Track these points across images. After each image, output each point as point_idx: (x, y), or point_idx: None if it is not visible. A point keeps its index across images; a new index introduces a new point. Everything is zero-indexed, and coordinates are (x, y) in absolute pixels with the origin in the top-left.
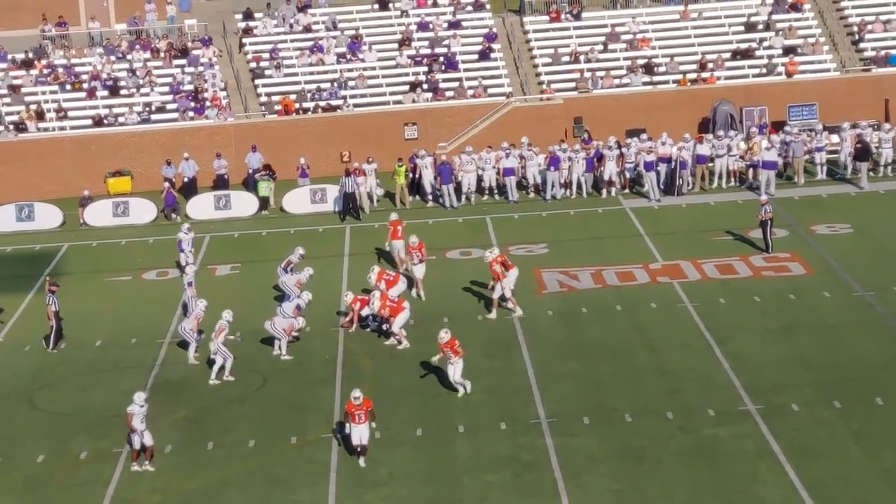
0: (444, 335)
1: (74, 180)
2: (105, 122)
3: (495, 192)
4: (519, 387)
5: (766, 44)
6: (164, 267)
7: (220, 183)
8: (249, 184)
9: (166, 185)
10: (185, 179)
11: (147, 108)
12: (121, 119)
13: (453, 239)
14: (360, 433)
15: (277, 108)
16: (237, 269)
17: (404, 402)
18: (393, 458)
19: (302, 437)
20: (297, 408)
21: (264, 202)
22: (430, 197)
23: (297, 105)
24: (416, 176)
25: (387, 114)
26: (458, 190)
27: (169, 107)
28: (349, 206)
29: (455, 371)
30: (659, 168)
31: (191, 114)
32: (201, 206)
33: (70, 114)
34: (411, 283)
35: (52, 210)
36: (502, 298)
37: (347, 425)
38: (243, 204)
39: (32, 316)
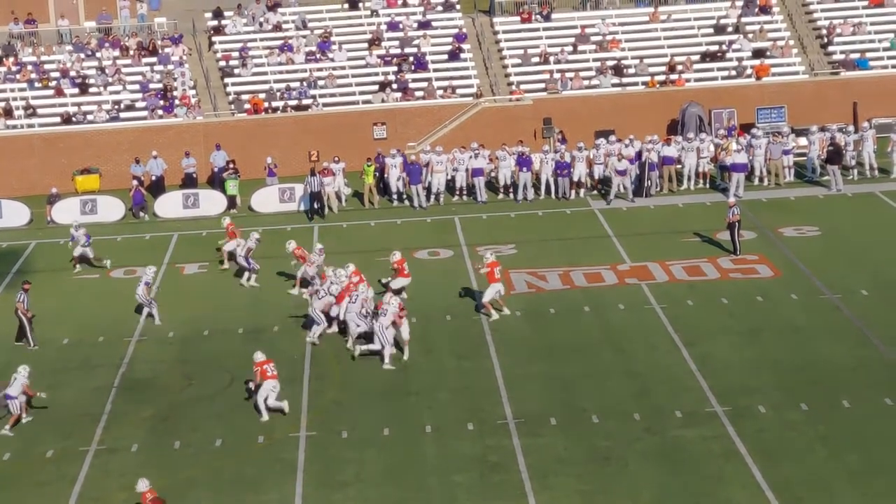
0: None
1: (42, 178)
2: (74, 119)
3: (465, 192)
4: (487, 387)
5: (735, 46)
6: (132, 265)
7: (189, 181)
8: (216, 182)
9: (135, 183)
10: (154, 178)
11: (116, 106)
12: (89, 117)
13: (422, 239)
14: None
15: (247, 106)
16: (205, 267)
17: (371, 403)
18: (360, 459)
19: (269, 437)
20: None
21: (232, 200)
22: (395, 197)
23: (266, 104)
24: (385, 175)
25: (356, 113)
26: (427, 190)
27: (138, 105)
28: (314, 205)
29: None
30: (627, 170)
31: (160, 112)
32: (169, 205)
33: (39, 111)
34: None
35: (19, 207)
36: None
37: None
38: (211, 202)
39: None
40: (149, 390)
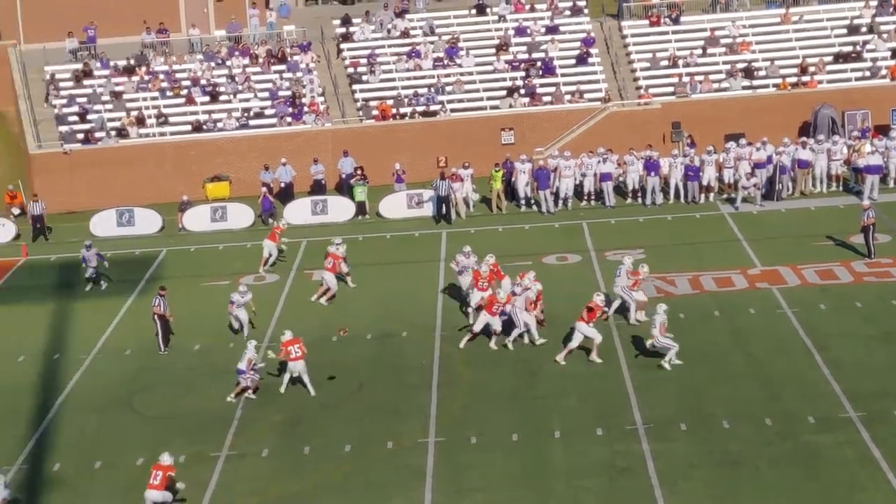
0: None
1: (174, 185)
2: (204, 127)
3: (593, 197)
4: (615, 392)
5: (869, 46)
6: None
7: (317, 188)
8: (344, 188)
9: (264, 189)
10: (283, 184)
11: (245, 114)
12: (219, 124)
13: (549, 244)
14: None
15: (375, 113)
16: (348, 275)
17: (500, 407)
18: (489, 464)
19: (398, 442)
20: (394, 412)
21: (361, 207)
22: (523, 202)
23: (394, 110)
24: (513, 181)
25: (484, 119)
26: (555, 195)
27: (267, 112)
28: (442, 209)
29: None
30: (757, 173)
31: (289, 119)
32: (298, 211)
33: (170, 120)
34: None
35: (151, 215)
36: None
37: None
38: (340, 209)
39: (133, 320)
40: (279, 395)
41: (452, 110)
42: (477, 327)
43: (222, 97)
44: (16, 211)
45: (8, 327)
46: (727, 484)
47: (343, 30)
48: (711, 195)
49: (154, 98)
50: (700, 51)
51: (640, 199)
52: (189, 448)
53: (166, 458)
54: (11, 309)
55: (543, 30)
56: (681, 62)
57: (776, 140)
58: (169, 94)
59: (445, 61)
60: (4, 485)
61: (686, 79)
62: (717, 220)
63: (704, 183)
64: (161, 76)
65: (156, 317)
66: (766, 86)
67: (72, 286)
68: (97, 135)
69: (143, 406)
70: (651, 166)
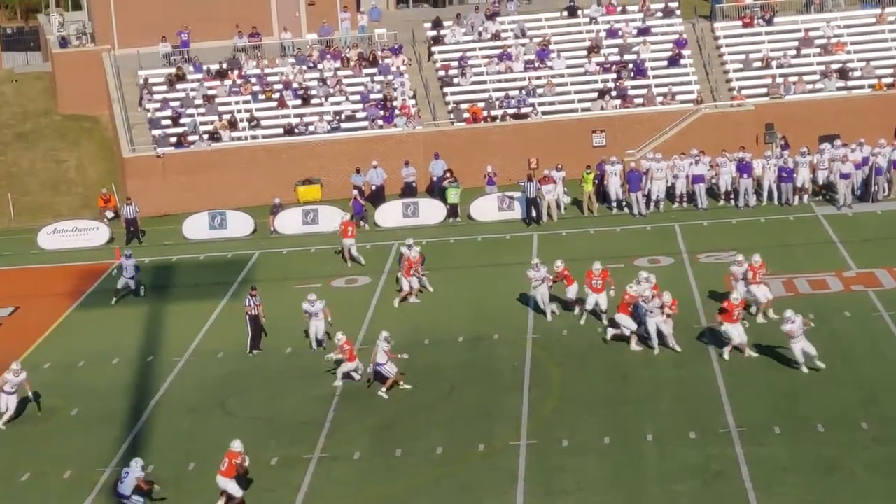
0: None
1: (266, 188)
2: (296, 130)
3: (685, 199)
4: (708, 395)
5: None
6: (352, 274)
7: (408, 191)
8: (435, 191)
9: (355, 192)
10: (374, 187)
11: (337, 117)
12: (311, 128)
13: (641, 247)
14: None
15: (466, 115)
16: (425, 275)
17: (592, 410)
18: (581, 467)
19: (489, 445)
20: (485, 415)
21: (453, 209)
22: (614, 204)
23: (485, 112)
24: (604, 183)
25: (575, 121)
26: (647, 197)
27: (358, 115)
28: (531, 212)
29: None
30: (853, 174)
31: (380, 122)
32: (389, 214)
33: (262, 123)
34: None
35: (243, 218)
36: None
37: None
38: (431, 211)
39: (225, 323)
40: (371, 399)
41: (543, 112)
42: (627, 326)
43: (314, 100)
44: (109, 214)
45: (102, 330)
46: (822, 489)
47: (434, 33)
48: (805, 197)
49: (246, 101)
50: (794, 51)
51: (732, 202)
52: (281, 451)
53: (237, 445)
54: (105, 312)
55: (635, 31)
56: (774, 63)
57: (872, 141)
58: (261, 97)
59: (536, 63)
60: (141, 467)
61: (780, 80)
62: (811, 221)
63: (798, 185)
64: (253, 80)
65: (248, 317)
66: (862, 86)
67: (165, 289)
68: (190, 138)
69: (235, 408)
70: (744, 168)
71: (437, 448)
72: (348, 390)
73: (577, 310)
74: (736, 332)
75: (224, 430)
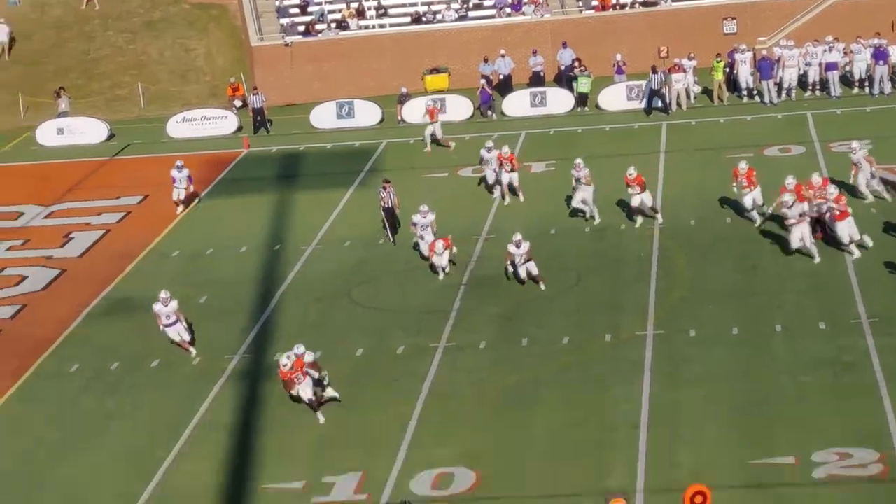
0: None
1: (393, 78)
2: (423, 19)
3: (817, 87)
4: (839, 287)
5: None
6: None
7: (536, 80)
8: (562, 80)
9: (482, 82)
10: (501, 77)
11: (465, 6)
12: (438, 16)
13: (772, 136)
14: (303, 390)
15: (595, 3)
16: (552, 165)
17: (720, 302)
18: (708, 357)
19: (616, 336)
20: (611, 306)
21: (582, 98)
22: (744, 93)
23: (614, 0)
24: (734, 71)
25: (705, 8)
26: (778, 85)
27: (486, 3)
28: (654, 102)
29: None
30: None
31: (508, 10)
32: (517, 104)
33: (390, 12)
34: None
35: (371, 107)
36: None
37: (294, 390)
38: (559, 101)
39: (353, 212)
40: (496, 287)
41: (673, 0)
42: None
43: None
44: (237, 103)
45: (230, 219)
46: None
47: None
48: None
49: None
50: None
51: (867, 89)
52: (407, 340)
53: (301, 350)
54: (233, 200)
55: None
56: None
57: None
58: None
59: None
60: (311, 354)
61: None
62: None
63: None
64: None
65: (383, 209)
66: None
67: (293, 177)
68: (318, 27)
69: (362, 297)
70: (879, 55)
71: (564, 338)
72: (474, 279)
73: None
74: (844, 230)
75: (351, 319)
